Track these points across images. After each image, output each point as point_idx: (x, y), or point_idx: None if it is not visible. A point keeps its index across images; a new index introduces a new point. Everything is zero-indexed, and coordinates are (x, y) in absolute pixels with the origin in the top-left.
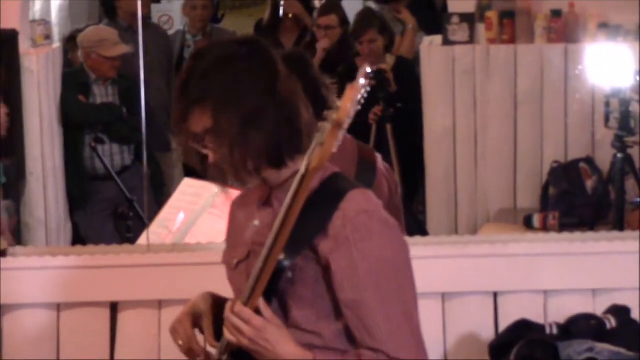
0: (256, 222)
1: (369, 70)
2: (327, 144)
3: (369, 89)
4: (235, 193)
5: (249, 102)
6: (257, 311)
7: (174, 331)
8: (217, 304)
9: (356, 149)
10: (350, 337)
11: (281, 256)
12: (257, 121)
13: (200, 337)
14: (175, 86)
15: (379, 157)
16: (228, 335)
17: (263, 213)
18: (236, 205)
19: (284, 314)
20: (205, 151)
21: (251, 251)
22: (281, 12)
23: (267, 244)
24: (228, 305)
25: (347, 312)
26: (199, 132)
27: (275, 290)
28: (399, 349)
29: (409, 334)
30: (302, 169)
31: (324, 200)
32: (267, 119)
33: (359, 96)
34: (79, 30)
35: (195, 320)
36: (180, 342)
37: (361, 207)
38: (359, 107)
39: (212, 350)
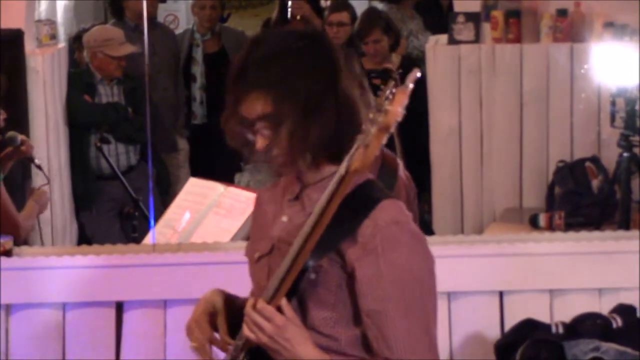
0: (284, 218)
1: (419, 75)
2: (371, 147)
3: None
4: (238, 192)
5: (312, 92)
6: (279, 310)
7: (189, 330)
8: (229, 301)
9: (380, 154)
10: (365, 345)
11: (307, 257)
12: (320, 112)
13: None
14: (231, 71)
15: (400, 164)
16: (247, 332)
17: (292, 209)
18: (264, 198)
19: (302, 314)
20: (252, 137)
21: (275, 247)
22: (289, 13)
23: (296, 244)
24: (250, 302)
25: (367, 321)
26: (252, 117)
27: (296, 290)
28: None
29: (426, 349)
30: (342, 170)
31: (355, 205)
32: (330, 112)
33: (408, 101)
34: (85, 30)
35: (212, 319)
36: (194, 344)
37: (392, 217)
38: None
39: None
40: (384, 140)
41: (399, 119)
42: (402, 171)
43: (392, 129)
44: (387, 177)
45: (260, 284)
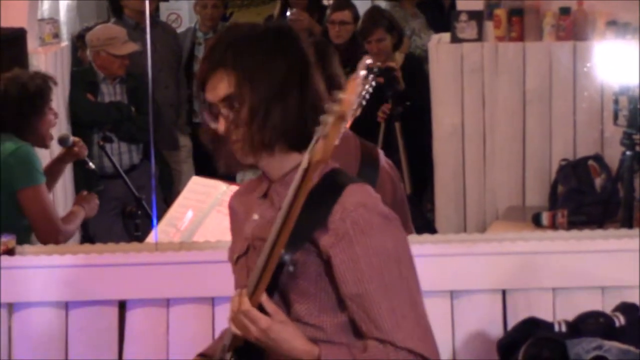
0: (255, 216)
1: (369, 61)
2: (330, 137)
3: (373, 82)
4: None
5: (276, 76)
6: (261, 307)
7: None
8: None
9: (359, 146)
10: (354, 329)
11: (281, 250)
12: (283, 98)
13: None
14: (202, 56)
15: (381, 153)
16: (235, 329)
17: (262, 207)
18: (235, 200)
19: (286, 307)
20: (215, 123)
21: (251, 245)
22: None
23: (270, 239)
24: (234, 300)
25: (351, 305)
26: (216, 98)
27: (276, 285)
28: (406, 338)
29: (414, 323)
30: (305, 163)
31: (323, 194)
32: (293, 99)
33: (362, 89)
34: (89, 28)
35: None
36: None
37: (360, 200)
38: (364, 100)
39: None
40: (342, 129)
41: (354, 107)
42: (383, 160)
43: (348, 118)
44: (368, 168)
45: (242, 284)
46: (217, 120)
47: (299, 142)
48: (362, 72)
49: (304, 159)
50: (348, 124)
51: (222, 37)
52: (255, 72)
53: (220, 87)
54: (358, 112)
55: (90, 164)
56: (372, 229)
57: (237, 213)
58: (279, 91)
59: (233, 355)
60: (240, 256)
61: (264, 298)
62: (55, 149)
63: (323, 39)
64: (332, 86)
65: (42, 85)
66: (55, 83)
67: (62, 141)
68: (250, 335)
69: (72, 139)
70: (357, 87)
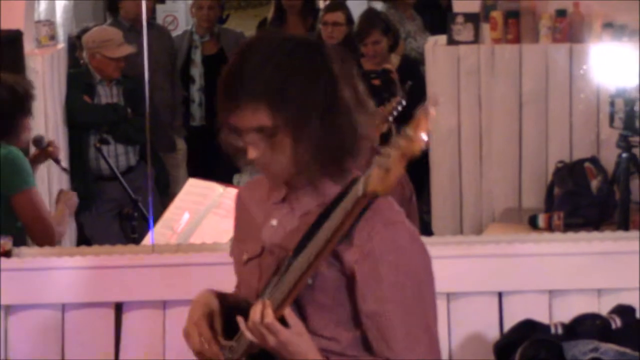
0: (274, 222)
1: (440, 99)
2: (393, 172)
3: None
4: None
5: (310, 103)
6: (283, 319)
7: (187, 334)
8: (223, 300)
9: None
10: (366, 346)
11: (316, 270)
12: (319, 123)
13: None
14: (225, 76)
15: None
16: (251, 337)
17: (280, 212)
18: (246, 197)
19: (302, 318)
20: (242, 144)
21: (266, 249)
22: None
23: (306, 258)
24: (256, 311)
25: (367, 322)
26: (247, 126)
27: None
28: None
29: (427, 349)
30: (359, 192)
31: None
32: (328, 122)
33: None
34: (88, 29)
35: (209, 321)
36: (192, 347)
37: (387, 218)
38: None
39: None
40: (404, 165)
41: (423, 146)
42: None
43: (417, 156)
44: None
45: (251, 285)
46: (243, 141)
47: (333, 162)
48: (432, 110)
49: (359, 186)
50: None
51: (246, 61)
52: (288, 102)
53: (255, 118)
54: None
55: (63, 163)
56: (397, 249)
57: (248, 211)
58: (314, 118)
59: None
60: (252, 258)
61: (287, 312)
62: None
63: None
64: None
65: (28, 87)
66: (34, 87)
67: (37, 142)
68: (267, 345)
69: (46, 139)
70: (428, 124)
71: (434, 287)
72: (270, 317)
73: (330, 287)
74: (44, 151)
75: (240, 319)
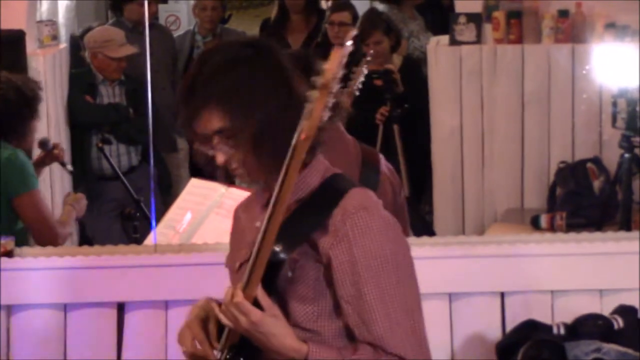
0: (257, 224)
1: (354, 32)
2: (315, 111)
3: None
4: (240, 193)
5: (264, 100)
6: (256, 300)
7: (181, 337)
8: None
9: (360, 151)
10: (350, 336)
11: (278, 248)
12: (276, 116)
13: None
14: (180, 89)
15: (382, 158)
16: (224, 320)
17: (264, 215)
18: (240, 210)
19: (284, 311)
20: (212, 152)
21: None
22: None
23: (262, 228)
24: (228, 293)
25: (346, 308)
26: (207, 133)
27: (274, 288)
28: (398, 345)
29: (408, 331)
30: (293, 141)
31: (324, 198)
32: (283, 119)
33: (345, 59)
34: (91, 28)
35: (203, 325)
36: (184, 349)
37: (361, 203)
38: (348, 72)
39: (216, 353)
40: (328, 102)
41: (337, 75)
42: (384, 165)
43: (333, 88)
44: (369, 173)
45: None
46: (211, 148)
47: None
48: (348, 43)
49: (293, 138)
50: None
51: (200, 70)
52: (242, 102)
53: (212, 122)
54: (356, 93)
55: (68, 166)
56: (371, 232)
57: (240, 222)
58: (269, 111)
59: (229, 352)
60: (242, 263)
61: (259, 292)
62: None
63: (300, 50)
64: None
65: (36, 88)
66: (41, 88)
67: (43, 145)
68: (240, 327)
69: (52, 142)
70: (341, 57)
71: (413, 272)
72: (239, 296)
73: (310, 278)
74: (50, 154)
75: (214, 304)
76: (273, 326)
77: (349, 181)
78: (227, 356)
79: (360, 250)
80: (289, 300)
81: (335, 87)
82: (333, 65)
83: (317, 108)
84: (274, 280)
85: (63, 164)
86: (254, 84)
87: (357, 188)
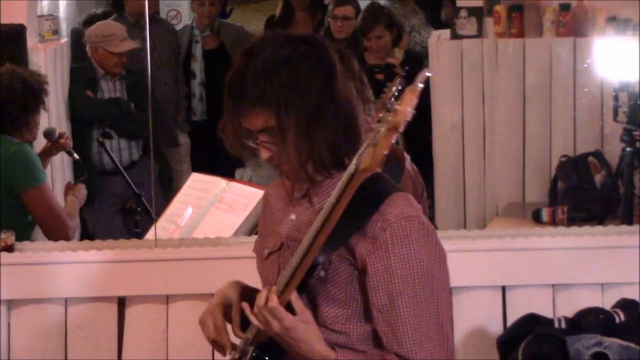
0: (292, 217)
1: (429, 74)
2: (380, 146)
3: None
4: (241, 187)
5: (313, 101)
6: (289, 305)
7: (202, 322)
8: (246, 292)
9: None
10: (377, 341)
11: (316, 252)
12: (322, 119)
13: (229, 327)
14: (229, 82)
15: (407, 157)
16: (256, 322)
17: (300, 207)
18: (272, 194)
19: (313, 311)
20: (257, 147)
21: (284, 244)
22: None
23: (307, 240)
24: (262, 296)
25: (377, 316)
26: (254, 128)
27: (306, 287)
28: (426, 359)
29: (438, 345)
30: (352, 169)
31: (364, 200)
32: (331, 117)
33: (417, 100)
34: (95, 15)
35: (226, 311)
36: (206, 334)
37: (402, 211)
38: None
39: (238, 341)
40: (393, 139)
41: (408, 118)
42: (409, 164)
43: (402, 129)
44: (393, 170)
45: (270, 280)
46: (255, 143)
47: (341, 159)
48: (420, 85)
49: (352, 164)
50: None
51: (248, 67)
52: (291, 103)
53: (259, 120)
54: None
55: (75, 154)
56: (410, 243)
57: (272, 206)
58: (317, 114)
59: (255, 349)
60: (271, 252)
61: (294, 297)
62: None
63: (340, 46)
64: (356, 86)
65: (41, 80)
66: (47, 82)
67: (49, 135)
68: (271, 331)
69: (58, 131)
70: (414, 99)
71: (448, 285)
72: (274, 301)
73: (343, 280)
74: (56, 144)
75: (245, 305)
76: (304, 332)
77: (390, 183)
78: (253, 354)
79: (398, 261)
80: (319, 300)
81: (404, 127)
82: (406, 107)
83: (383, 144)
84: (306, 280)
85: (70, 153)
86: (305, 84)
87: (398, 193)
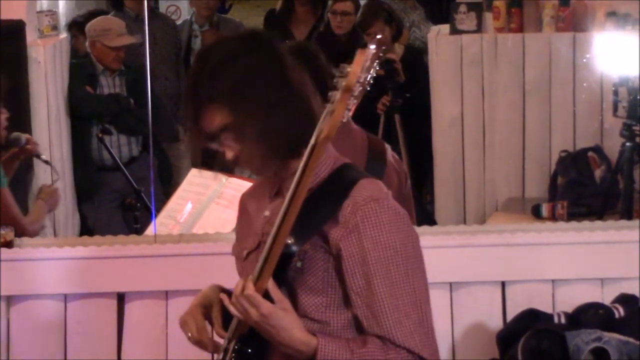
0: (266, 213)
1: (379, 36)
2: (337, 112)
3: (377, 57)
4: (240, 183)
5: (262, 92)
6: (267, 293)
7: (183, 323)
8: (226, 294)
9: (366, 140)
10: (358, 327)
11: (290, 240)
12: (275, 111)
13: (210, 329)
14: (185, 87)
15: (388, 148)
16: (234, 312)
17: (274, 204)
18: (246, 198)
19: (293, 302)
20: (221, 148)
21: (261, 241)
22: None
23: (276, 223)
24: (238, 285)
25: (355, 300)
26: (214, 130)
27: (284, 279)
28: (406, 338)
29: (417, 323)
30: (312, 140)
31: (334, 189)
32: (286, 111)
33: (370, 63)
34: (82, 17)
35: (206, 312)
36: (189, 334)
37: (371, 195)
38: (370, 76)
39: (220, 340)
40: (350, 105)
41: (361, 80)
42: (390, 155)
43: (355, 91)
44: (375, 162)
45: None
46: (219, 145)
47: (299, 149)
48: (372, 46)
49: (312, 137)
50: (353, 110)
51: (200, 68)
52: (245, 97)
53: (215, 119)
54: (367, 88)
55: (43, 156)
56: (381, 224)
57: (247, 210)
58: (272, 103)
59: (237, 342)
60: (250, 252)
61: (270, 285)
62: None
63: (300, 41)
64: (323, 78)
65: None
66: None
67: (15, 142)
68: (250, 320)
69: (24, 137)
70: (364, 60)
71: (422, 264)
72: (250, 289)
73: (320, 269)
74: (23, 149)
75: (224, 296)
76: (283, 319)
77: (359, 171)
78: (235, 347)
79: (370, 243)
80: (298, 291)
81: (357, 89)
82: (357, 69)
83: (338, 109)
84: (283, 271)
85: (38, 156)
86: (255, 78)
87: (366, 178)
